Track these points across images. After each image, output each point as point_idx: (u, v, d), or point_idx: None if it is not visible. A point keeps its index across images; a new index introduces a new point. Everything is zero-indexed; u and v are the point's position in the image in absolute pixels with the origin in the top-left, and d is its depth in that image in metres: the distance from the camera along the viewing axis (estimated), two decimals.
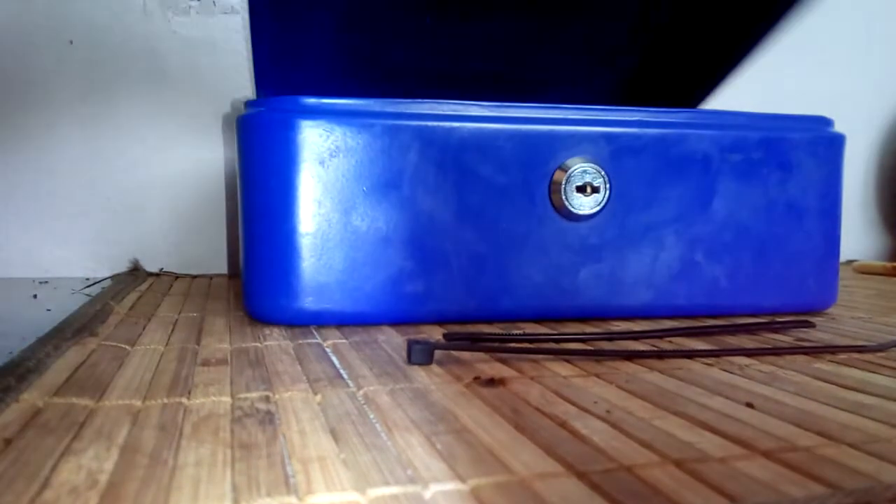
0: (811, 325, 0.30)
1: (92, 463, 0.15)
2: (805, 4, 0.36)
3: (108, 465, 0.14)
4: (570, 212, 0.31)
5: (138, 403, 0.19)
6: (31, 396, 0.19)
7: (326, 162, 0.29)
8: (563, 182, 0.31)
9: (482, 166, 0.31)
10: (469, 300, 0.31)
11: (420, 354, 0.23)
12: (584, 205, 0.31)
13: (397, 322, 0.30)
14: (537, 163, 0.31)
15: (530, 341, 0.27)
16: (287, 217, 0.29)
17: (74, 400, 0.19)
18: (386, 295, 0.30)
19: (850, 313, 0.34)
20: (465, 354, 0.24)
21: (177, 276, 0.47)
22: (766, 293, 0.34)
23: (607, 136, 0.32)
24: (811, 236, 0.34)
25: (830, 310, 0.35)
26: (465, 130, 0.30)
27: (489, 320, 0.31)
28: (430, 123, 0.30)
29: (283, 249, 0.29)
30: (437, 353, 0.24)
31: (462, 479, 0.14)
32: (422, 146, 0.30)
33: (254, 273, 0.30)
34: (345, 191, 0.29)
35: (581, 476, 0.14)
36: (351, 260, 0.29)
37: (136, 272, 0.47)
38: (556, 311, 0.32)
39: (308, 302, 0.29)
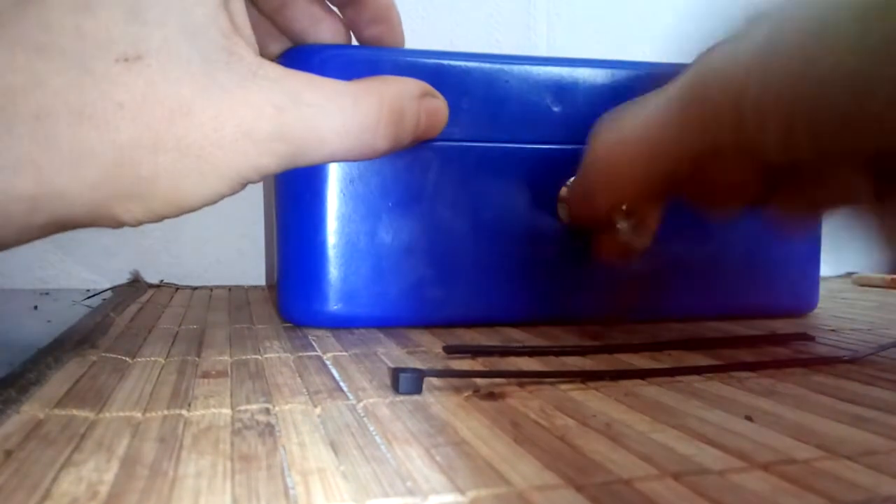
0: (811, 338, 0.30)
1: (92, 474, 0.15)
2: None
3: (109, 477, 0.14)
4: (574, 225, 0.32)
5: (139, 415, 0.19)
6: (32, 408, 0.19)
7: (356, 180, 0.31)
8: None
9: (496, 183, 0.32)
10: (483, 305, 0.33)
11: (409, 384, 0.21)
12: None
13: (418, 325, 0.32)
14: (545, 180, 0.33)
15: (530, 354, 0.27)
16: (319, 230, 0.31)
17: (75, 412, 0.19)
18: (409, 300, 0.32)
19: (851, 325, 0.34)
20: (464, 365, 0.25)
21: (177, 288, 0.47)
22: (748, 295, 0.35)
23: None
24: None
25: (831, 322, 0.35)
26: (481, 150, 0.32)
27: (500, 324, 0.33)
28: (448, 143, 0.31)
29: (315, 260, 0.31)
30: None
31: (461, 491, 0.14)
32: (441, 165, 0.31)
33: (289, 281, 0.32)
34: (372, 206, 0.31)
35: (579, 488, 0.14)
36: (377, 268, 0.31)
37: (136, 284, 0.47)
38: (562, 316, 0.33)
39: (338, 307, 0.31)
